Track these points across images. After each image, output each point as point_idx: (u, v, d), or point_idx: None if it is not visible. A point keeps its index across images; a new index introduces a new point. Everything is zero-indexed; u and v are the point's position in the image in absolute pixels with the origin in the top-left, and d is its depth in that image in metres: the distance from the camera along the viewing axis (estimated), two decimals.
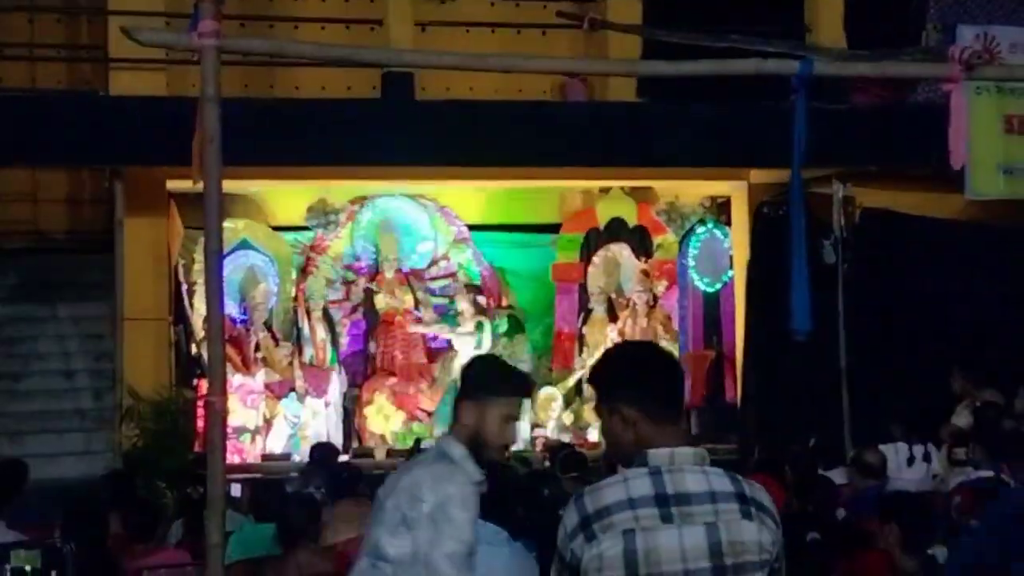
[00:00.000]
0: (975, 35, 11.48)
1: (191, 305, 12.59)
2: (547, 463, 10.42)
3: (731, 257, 13.62)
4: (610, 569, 3.15)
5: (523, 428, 12.64)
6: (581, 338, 14.05)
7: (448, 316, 13.74)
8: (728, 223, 13.75)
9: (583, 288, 14.23)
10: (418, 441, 11.47)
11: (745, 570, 3.20)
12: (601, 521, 3.16)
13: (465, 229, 13.78)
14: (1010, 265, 12.20)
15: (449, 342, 13.50)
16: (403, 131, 11.48)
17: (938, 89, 9.70)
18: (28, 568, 6.20)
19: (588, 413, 13.50)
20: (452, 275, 13.84)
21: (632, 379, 3.34)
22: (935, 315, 11.79)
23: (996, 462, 8.96)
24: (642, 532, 3.13)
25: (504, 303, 13.88)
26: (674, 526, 3.15)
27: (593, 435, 13.21)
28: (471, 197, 13.92)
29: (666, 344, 14.03)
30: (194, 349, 12.47)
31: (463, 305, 13.53)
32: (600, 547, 3.15)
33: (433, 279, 13.80)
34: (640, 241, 14.41)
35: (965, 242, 12.57)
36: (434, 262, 13.73)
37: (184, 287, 12.74)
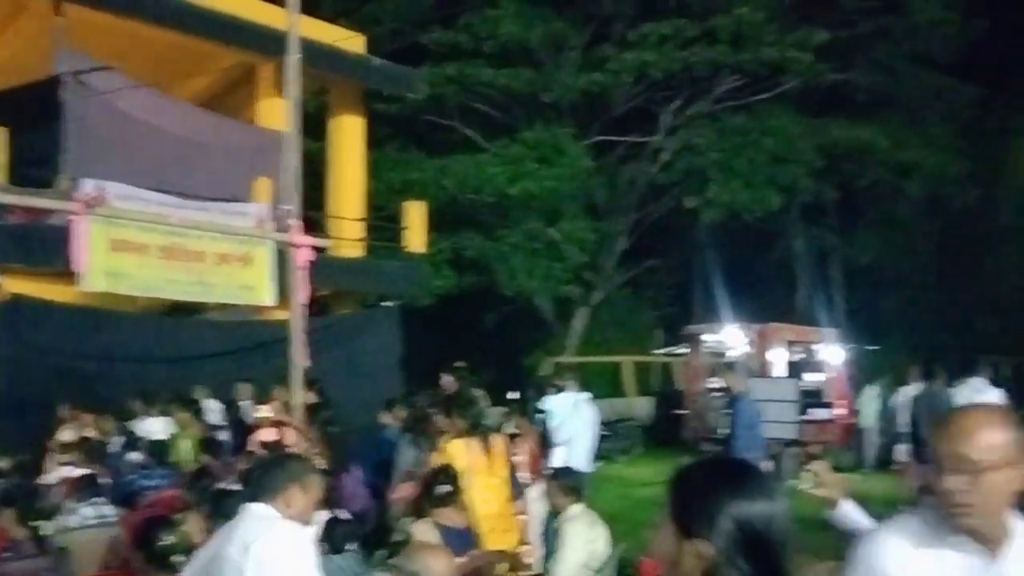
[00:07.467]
0: (95, 185, 11.61)
1: None
2: None
3: None
4: None
5: None
6: None
7: None
8: None
9: None
10: None
11: None
12: None
13: None
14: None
15: None
16: None
17: (67, 217, 9.79)
18: None
19: None
20: None
21: None
22: (71, 364, 11.52)
23: None
24: None
25: None
26: None
27: None
28: None
29: None
30: None
31: None
32: None
33: None
34: None
35: (85, 320, 12.57)
36: None
37: None
